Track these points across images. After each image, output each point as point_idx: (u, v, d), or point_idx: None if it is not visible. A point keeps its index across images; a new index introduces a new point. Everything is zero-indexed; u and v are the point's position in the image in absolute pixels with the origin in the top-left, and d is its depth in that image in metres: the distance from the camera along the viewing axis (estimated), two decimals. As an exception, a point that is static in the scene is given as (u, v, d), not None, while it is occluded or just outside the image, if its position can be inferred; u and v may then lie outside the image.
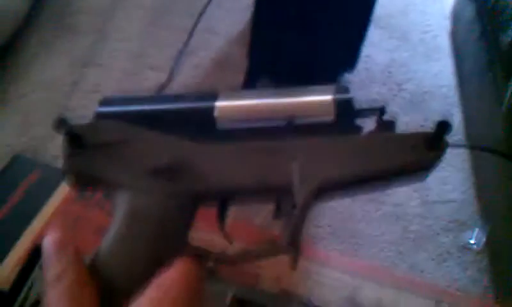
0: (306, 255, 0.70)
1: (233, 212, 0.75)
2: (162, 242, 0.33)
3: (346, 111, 0.38)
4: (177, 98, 0.39)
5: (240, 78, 1.00)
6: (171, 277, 0.31)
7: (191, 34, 1.10)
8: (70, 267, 0.31)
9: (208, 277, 0.60)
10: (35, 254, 0.64)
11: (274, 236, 0.37)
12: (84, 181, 0.36)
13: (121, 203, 0.34)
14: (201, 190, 0.35)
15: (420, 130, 0.39)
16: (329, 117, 0.37)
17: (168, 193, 0.34)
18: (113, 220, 0.34)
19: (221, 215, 0.39)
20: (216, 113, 0.37)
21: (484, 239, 0.80)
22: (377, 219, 0.82)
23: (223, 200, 0.38)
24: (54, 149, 0.87)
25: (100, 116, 0.38)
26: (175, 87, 1.01)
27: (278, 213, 0.38)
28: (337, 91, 0.39)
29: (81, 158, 0.36)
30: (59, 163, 0.83)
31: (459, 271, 0.76)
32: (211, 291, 0.59)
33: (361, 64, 0.99)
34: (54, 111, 0.94)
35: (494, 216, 0.82)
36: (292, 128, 0.37)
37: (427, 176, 0.39)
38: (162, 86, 1.00)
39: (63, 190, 0.73)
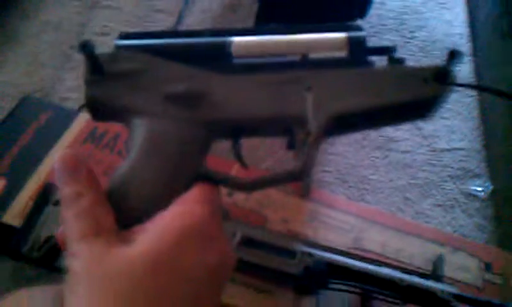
0: (314, 197, 0.70)
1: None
2: (179, 166, 0.34)
3: (359, 48, 0.38)
4: (194, 33, 0.39)
5: (249, 22, 0.99)
6: (193, 195, 0.31)
7: (200, -23, 1.08)
8: (87, 185, 0.32)
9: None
10: (46, 192, 0.64)
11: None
12: (104, 107, 0.37)
13: (139, 130, 0.35)
14: (217, 118, 0.36)
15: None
16: (343, 53, 0.37)
17: (184, 119, 0.35)
18: (131, 147, 0.34)
19: (235, 146, 0.39)
20: (232, 48, 0.37)
21: (490, 187, 0.80)
22: (384, 166, 0.82)
23: (237, 132, 0.38)
24: (63, 90, 0.87)
25: (118, 49, 0.38)
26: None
27: (292, 143, 0.38)
28: (350, 29, 0.39)
29: (101, 85, 0.36)
30: (69, 104, 0.83)
31: (464, 218, 0.77)
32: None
33: (373, 10, 0.97)
34: (63, 52, 0.93)
35: (501, 165, 0.82)
36: (306, 62, 0.37)
37: (434, 109, 0.39)
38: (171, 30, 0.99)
39: (73, 130, 0.73)
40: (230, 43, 0.37)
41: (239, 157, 0.40)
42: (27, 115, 0.76)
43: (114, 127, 0.73)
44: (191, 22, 1.02)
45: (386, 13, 1.06)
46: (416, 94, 0.38)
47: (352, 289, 0.57)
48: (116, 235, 0.30)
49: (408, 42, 1.01)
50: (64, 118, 0.75)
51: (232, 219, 0.63)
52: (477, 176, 0.82)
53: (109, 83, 0.36)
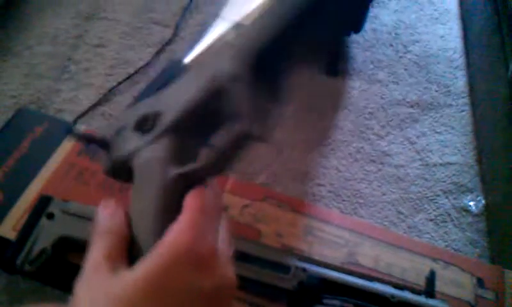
0: (307, 212, 0.71)
1: (235, 171, 0.76)
2: (162, 188, 0.35)
3: None
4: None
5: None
6: (181, 222, 0.32)
7: (196, -10, 1.09)
8: (120, 223, 0.35)
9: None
10: (41, 205, 0.64)
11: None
12: (118, 172, 0.39)
13: (135, 168, 0.37)
14: (171, 123, 0.37)
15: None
16: None
17: (149, 141, 0.37)
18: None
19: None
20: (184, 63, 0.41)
21: (483, 202, 0.81)
22: (377, 180, 0.83)
23: (199, 128, 0.39)
24: (59, 102, 0.88)
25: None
26: (180, 43, 1.01)
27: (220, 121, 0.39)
28: None
29: (110, 155, 0.39)
30: (64, 116, 0.84)
31: (457, 232, 0.77)
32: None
33: (368, 25, 0.98)
34: (59, 64, 0.94)
35: (494, 180, 0.83)
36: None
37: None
38: (168, 42, 1.00)
39: (69, 142, 0.73)
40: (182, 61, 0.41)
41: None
42: (23, 127, 0.76)
43: (110, 140, 0.74)
44: (187, 34, 1.02)
45: (381, 27, 1.07)
46: None
47: (345, 304, 0.57)
48: (123, 264, 0.31)
49: (402, 56, 1.02)
50: (59, 130, 0.76)
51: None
52: (470, 190, 0.83)
53: (113, 150, 0.39)
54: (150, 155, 0.36)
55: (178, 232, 0.31)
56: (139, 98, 0.40)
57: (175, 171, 0.35)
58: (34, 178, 0.69)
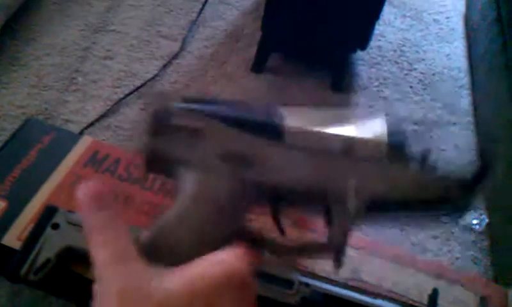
0: (312, 227, 0.71)
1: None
2: (223, 219, 0.36)
3: (397, 150, 0.42)
4: (248, 106, 0.43)
5: (251, 51, 1.00)
6: (235, 251, 0.32)
7: (204, 5, 1.10)
8: (114, 216, 0.33)
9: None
10: (46, 215, 0.65)
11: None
12: (160, 157, 0.39)
13: (190, 181, 0.37)
14: (264, 181, 0.38)
15: (462, 168, 0.42)
16: (381, 155, 0.41)
17: (234, 176, 0.37)
18: (177, 199, 0.36)
19: (275, 213, 0.42)
20: (285, 134, 0.40)
21: (486, 221, 0.81)
22: (382, 196, 0.83)
23: (278, 197, 0.40)
24: (66, 113, 0.88)
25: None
26: (188, 57, 1.01)
27: (329, 220, 0.40)
28: (391, 130, 0.42)
29: (162, 137, 0.38)
30: (71, 126, 0.84)
31: (460, 250, 0.77)
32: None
33: (373, 42, 0.99)
34: (67, 76, 0.95)
35: (497, 198, 0.83)
36: (349, 154, 0.41)
37: (459, 215, 0.43)
38: (175, 55, 1.01)
39: (75, 153, 0.74)
40: (283, 128, 0.40)
41: (277, 223, 0.42)
42: (30, 137, 0.76)
43: (115, 152, 0.74)
44: (194, 48, 1.03)
45: (386, 45, 1.08)
46: (441, 197, 0.41)
47: (348, 321, 0.57)
48: (152, 269, 0.31)
49: (407, 74, 1.03)
50: (67, 141, 0.76)
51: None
52: (474, 209, 0.83)
53: (170, 136, 0.38)
54: (229, 186, 0.37)
55: (227, 256, 0.31)
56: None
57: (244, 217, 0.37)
58: (40, 189, 0.69)
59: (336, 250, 0.39)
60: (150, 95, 0.37)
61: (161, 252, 0.33)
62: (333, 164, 0.40)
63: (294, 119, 0.41)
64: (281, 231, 0.42)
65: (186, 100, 0.41)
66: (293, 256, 0.39)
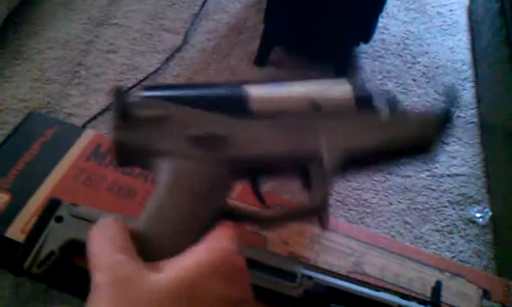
0: (314, 220, 0.71)
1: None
2: (203, 204, 0.36)
3: (364, 102, 0.42)
4: (212, 86, 0.43)
5: (254, 44, 1.00)
6: (220, 233, 0.32)
7: (207, -2, 1.10)
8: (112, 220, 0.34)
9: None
10: (50, 208, 0.65)
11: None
12: (130, 151, 0.38)
13: (164, 171, 0.37)
14: (236, 157, 0.38)
15: (430, 106, 0.43)
16: (350, 109, 0.42)
17: (206, 159, 0.37)
18: (155, 189, 0.36)
19: (254, 185, 0.41)
20: (250, 103, 0.40)
21: (489, 214, 0.81)
22: (385, 190, 0.83)
23: (255, 171, 0.40)
24: (69, 106, 0.89)
25: (144, 99, 0.40)
26: (190, 50, 1.01)
27: (307, 182, 0.40)
28: (355, 86, 0.43)
29: (129, 130, 0.38)
30: (74, 120, 0.84)
31: (463, 243, 0.77)
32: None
33: (377, 35, 0.99)
34: (70, 69, 0.95)
35: (501, 191, 0.83)
36: (317, 111, 0.41)
37: (434, 149, 0.43)
38: (178, 49, 1.01)
39: (78, 147, 0.74)
40: (248, 97, 0.40)
41: (258, 196, 0.42)
42: (33, 130, 0.76)
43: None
44: (197, 41, 1.03)
45: (390, 38, 1.08)
46: (416, 137, 0.42)
47: (351, 313, 0.57)
48: (144, 262, 0.31)
49: (411, 67, 1.02)
50: (70, 134, 0.76)
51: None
52: (477, 202, 0.83)
53: (136, 128, 0.38)
54: (203, 170, 0.37)
55: (215, 240, 0.32)
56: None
57: (223, 197, 0.37)
58: (43, 182, 0.70)
59: (319, 211, 0.39)
60: (111, 91, 0.36)
61: (147, 247, 0.33)
62: (303, 126, 0.40)
63: (257, 89, 0.41)
64: (263, 203, 0.42)
65: (147, 89, 0.41)
66: (278, 224, 0.39)
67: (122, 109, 0.38)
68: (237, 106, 0.40)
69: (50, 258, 0.60)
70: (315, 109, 0.41)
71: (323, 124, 0.40)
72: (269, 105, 0.40)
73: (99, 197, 0.69)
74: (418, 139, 0.42)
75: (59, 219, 0.62)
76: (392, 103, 0.43)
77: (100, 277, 0.30)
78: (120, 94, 0.38)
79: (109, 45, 1.00)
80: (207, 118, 0.39)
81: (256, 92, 0.41)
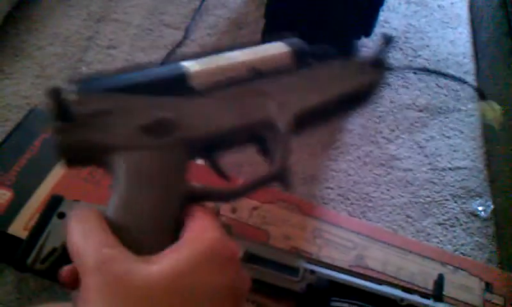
0: (316, 215, 0.71)
1: (244, 173, 0.76)
2: (165, 192, 0.34)
3: (303, 57, 0.42)
4: (150, 68, 0.41)
5: (255, 39, 1.00)
6: (202, 221, 0.32)
7: (207, -7, 1.09)
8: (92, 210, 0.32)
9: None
10: (52, 204, 0.65)
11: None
12: (79, 152, 0.36)
13: (119, 167, 0.35)
14: (188, 138, 0.37)
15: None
16: (290, 65, 0.42)
17: (160, 147, 0.36)
18: (114, 186, 0.34)
19: (212, 162, 0.40)
20: (190, 79, 0.39)
21: (491, 207, 0.81)
22: (386, 183, 0.83)
23: (210, 148, 0.40)
24: (70, 103, 0.88)
25: (81, 93, 0.37)
26: (191, 45, 1.01)
27: (263, 149, 0.40)
28: (292, 45, 0.43)
29: (73, 130, 0.35)
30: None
31: (465, 237, 0.77)
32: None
33: (377, 29, 0.98)
34: (70, 65, 0.95)
35: (503, 184, 0.83)
36: (259, 76, 0.40)
37: (375, 92, 0.45)
38: (178, 44, 1.01)
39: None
40: (187, 74, 0.39)
41: (218, 172, 0.41)
42: (35, 127, 0.76)
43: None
44: (198, 36, 1.03)
45: (391, 31, 1.07)
46: (358, 82, 0.43)
47: (353, 307, 0.58)
48: (133, 254, 0.30)
49: (412, 61, 1.02)
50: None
51: (234, 235, 0.63)
52: (479, 195, 0.83)
53: (81, 128, 0.35)
54: (159, 157, 0.35)
55: (203, 230, 0.31)
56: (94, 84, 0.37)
57: (186, 182, 0.35)
58: (45, 178, 0.70)
59: (281, 174, 0.38)
60: (47, 91, 0.33)
61: (125, 241, 0.32)
62: (250, 95, 0.39)
63: (195, 64, 0.40)
64: (226, 178, 0.41)
65: (81, 82, 0.37)
66: (241, 195, 0.38)
67: (61, 109, 0.35)
68: (178, 85, 0.39)
69: (53, 254, 0.60)
70: (256, 74, 0.40)
71: (268, 88, 0.40)
72: (210, 78, 0.39)
73: (101, 194, 0.69)
74: (360, 86, 0.43)
75: (62, 216, 0.62)
76: (331, 54, 0.44)
77: (90, 280, 0.29)
78: (57, 94, 0.35)
79: (110, 41, 1.00)
80: (152, 104, 0.37)
81: (195, 67, 0.40)
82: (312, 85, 0.42)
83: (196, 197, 0.36)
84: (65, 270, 0.34)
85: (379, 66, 0.44)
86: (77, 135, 0.35)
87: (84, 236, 0.31)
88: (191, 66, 0.40)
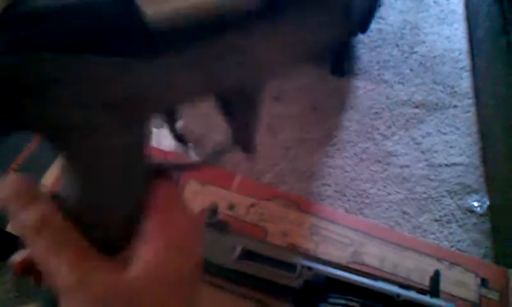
0: (313, 211, 0.71)
1: (241, 170, 0.76)
2: (133, 173, 0.32)
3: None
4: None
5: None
6: (162, 202, 0.31)
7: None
8: (52, 212, 0.29)
9: (219, 231, 0.62)
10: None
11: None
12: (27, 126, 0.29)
13: (75, 149, 0.30)
14: (157, 112, 0.33)
15: None
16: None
17: (128, 126, 0.31)
18: (69, 169, 0.30)
19: (172, 127, 0.37)
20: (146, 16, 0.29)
21: (487, 203, 0.81)
22: (383, 180, 0.83)
23: (171, 118, 0.36)
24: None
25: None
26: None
27: (228, 111, 0.36)
28: None
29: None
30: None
31: (461, 233, 0.78)
32: (222, 244, 0.61)
33: (373, 25, 0.99)
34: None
35: (499, 180, 0.83)
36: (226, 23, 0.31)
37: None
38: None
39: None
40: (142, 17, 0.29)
41: (180, 140, 0.38)
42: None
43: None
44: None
45: (386, 27, 1.07)
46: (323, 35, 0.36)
47: (351, 303, 0.58)
48: (105, 259, 0.29)
49: (408, 57, 1.02)
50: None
51: (232, 231, 0.64)
52: (475, 191, 0.83)
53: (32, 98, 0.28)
54: (125, 137, 0.31)
55: (166, 213, 0.31)
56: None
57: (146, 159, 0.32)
58: (43, 176, 0.70)
59: (246, 140, 0.36)
60: None
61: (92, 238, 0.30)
62: (217, 53, 0.31)
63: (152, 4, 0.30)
64: (182, 141, 0.38)
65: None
66: (212, 163, 0.36)
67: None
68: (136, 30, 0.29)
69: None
70: (223, 20, 0.30)
71: (239, 41, 0.31)
72: (171, 23, 0.30)
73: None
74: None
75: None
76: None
77: (70, 300, 0.27)
78: None
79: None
80: (115, 73, 0.29)
81: (153, 8, 0.29)
82: (284, 44, 0.33)
83: (159, 172, 0.33)
84: (16, 262, 0.33)
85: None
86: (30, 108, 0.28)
87: (57, 252, 0.28)
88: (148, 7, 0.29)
